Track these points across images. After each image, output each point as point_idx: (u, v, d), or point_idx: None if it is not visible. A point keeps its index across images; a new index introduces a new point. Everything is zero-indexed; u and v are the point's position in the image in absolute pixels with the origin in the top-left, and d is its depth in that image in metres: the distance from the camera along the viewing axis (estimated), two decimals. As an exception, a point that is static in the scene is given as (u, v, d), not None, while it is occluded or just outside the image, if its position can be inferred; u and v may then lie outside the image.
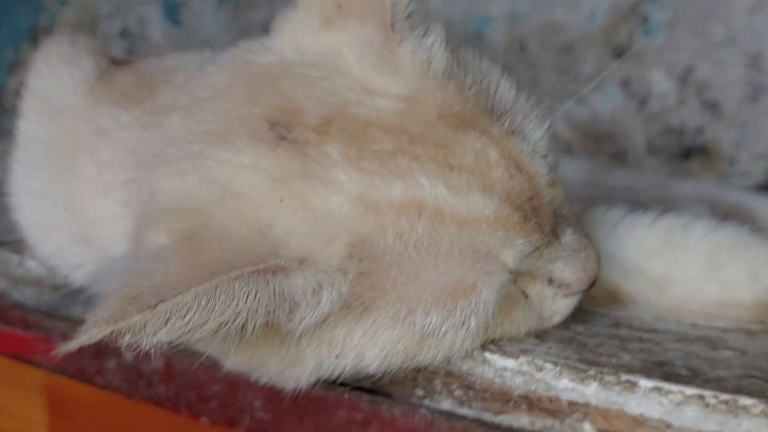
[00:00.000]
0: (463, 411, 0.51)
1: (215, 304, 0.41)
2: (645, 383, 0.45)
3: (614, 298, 0.66)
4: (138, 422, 0.70)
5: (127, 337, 0.40)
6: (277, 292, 0.43)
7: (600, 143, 1.33)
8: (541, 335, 0.54)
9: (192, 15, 1.78)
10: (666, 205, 0.94)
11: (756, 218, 1.05)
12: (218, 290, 0.41)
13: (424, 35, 0.50)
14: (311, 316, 0.45)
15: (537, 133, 0.51)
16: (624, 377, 0.46)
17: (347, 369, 0.48)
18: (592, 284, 0.53)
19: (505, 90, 0.52)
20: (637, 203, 0.69)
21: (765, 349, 0.53)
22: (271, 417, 0.55)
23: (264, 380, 0.50)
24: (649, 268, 0.64)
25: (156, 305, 0.39)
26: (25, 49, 1.66)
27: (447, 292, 0.45)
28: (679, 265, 0.62)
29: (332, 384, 0.51)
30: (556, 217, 0.52)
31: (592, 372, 0.47)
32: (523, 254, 0.48)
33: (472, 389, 0.51)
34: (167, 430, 0.69)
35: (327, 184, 0.45)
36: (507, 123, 0.49)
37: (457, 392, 0.51)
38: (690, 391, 0.44)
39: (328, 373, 0.49)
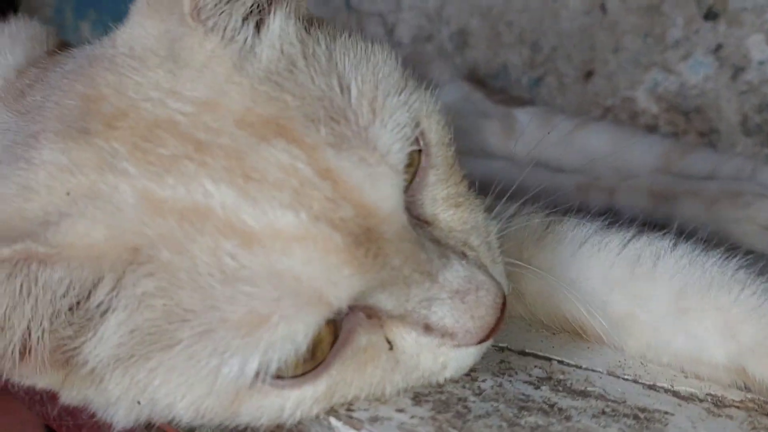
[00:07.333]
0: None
1: None
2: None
3: (580, 334, 0.55)
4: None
5: None
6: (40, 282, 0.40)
7: (689, 120, 1.19)
8: (418, 397, 0.44)
9: None
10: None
11: None
12: None
13: (246, 25, 0.44)
14: (100, 340, 0.42)
15: (387, 140, 0.41)
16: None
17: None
18: (492, 334, 0.42)
19: (358, 88, 0.42)
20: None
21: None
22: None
23: (99, 414, 0.48)
24: (612, 304, 0.51)
25: None
26: None
27: (242, 325, 0.39)
28: (644, 304, 0.49)
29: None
30: (432, 248, 0.42)
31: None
32: (356, 289, 0.39)
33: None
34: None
35: (117, 174, 0.41)
36: (329, 131, 0.40)
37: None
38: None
39: (141, 417, 0.45)
